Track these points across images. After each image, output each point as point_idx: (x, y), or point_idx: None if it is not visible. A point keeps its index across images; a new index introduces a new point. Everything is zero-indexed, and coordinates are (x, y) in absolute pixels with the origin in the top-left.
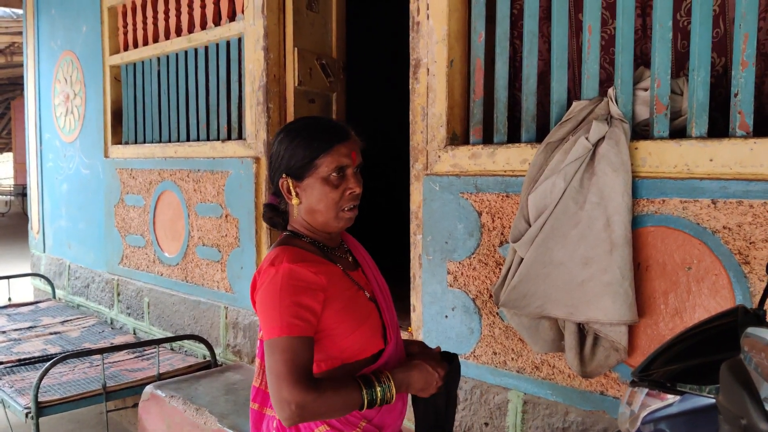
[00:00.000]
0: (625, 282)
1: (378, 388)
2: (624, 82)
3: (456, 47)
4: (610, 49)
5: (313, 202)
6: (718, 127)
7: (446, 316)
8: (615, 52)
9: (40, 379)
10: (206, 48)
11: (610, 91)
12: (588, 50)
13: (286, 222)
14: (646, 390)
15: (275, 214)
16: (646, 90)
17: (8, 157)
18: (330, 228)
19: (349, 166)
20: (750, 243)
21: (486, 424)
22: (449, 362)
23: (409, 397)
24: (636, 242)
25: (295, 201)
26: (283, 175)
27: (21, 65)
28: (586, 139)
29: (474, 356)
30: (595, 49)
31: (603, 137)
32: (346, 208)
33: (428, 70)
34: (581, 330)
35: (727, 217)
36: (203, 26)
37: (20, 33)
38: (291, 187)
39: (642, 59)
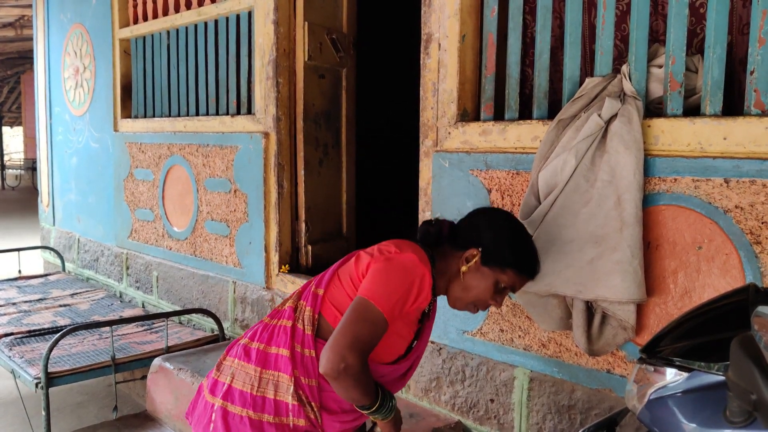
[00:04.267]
0: (635, 260)
1: (385, 402)
2: (638, 58)
3: (468, 22)
4: (621, 26)
5: (472, 284)
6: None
7: None
8: (627, 29)
9: (50, 350)
10: (216, 21)
11: (624, 67)
12: (602, 26)
13: (437, 243)
14: (653, 367)
15: (438, 234)
16: (660, 67)
17: (18, 131)
18: (452, 304)
19: (510, 291)
20: (762, 223)
21: (492, 400)
22: None
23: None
24: (647, 221)
25: (464, 269)
26: (479, 250)
27: (31, 39)
28: (599, 116)
29: (481, 333)
30: (610, 25)
31: (615, 114)
32: (477, 308)
33: (440, 45)
34: (589, 308)
35: (739, 196)
36: None
37: (30, 6)
38: (474, 261)
39: (650, 36)
